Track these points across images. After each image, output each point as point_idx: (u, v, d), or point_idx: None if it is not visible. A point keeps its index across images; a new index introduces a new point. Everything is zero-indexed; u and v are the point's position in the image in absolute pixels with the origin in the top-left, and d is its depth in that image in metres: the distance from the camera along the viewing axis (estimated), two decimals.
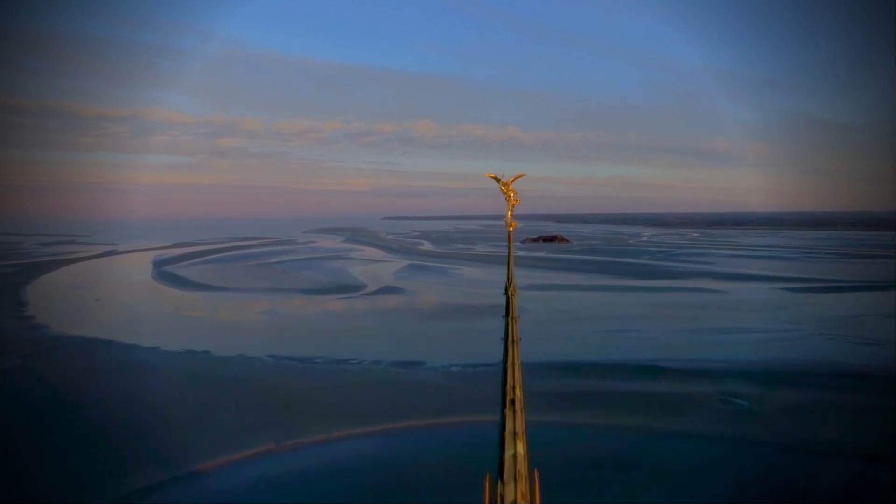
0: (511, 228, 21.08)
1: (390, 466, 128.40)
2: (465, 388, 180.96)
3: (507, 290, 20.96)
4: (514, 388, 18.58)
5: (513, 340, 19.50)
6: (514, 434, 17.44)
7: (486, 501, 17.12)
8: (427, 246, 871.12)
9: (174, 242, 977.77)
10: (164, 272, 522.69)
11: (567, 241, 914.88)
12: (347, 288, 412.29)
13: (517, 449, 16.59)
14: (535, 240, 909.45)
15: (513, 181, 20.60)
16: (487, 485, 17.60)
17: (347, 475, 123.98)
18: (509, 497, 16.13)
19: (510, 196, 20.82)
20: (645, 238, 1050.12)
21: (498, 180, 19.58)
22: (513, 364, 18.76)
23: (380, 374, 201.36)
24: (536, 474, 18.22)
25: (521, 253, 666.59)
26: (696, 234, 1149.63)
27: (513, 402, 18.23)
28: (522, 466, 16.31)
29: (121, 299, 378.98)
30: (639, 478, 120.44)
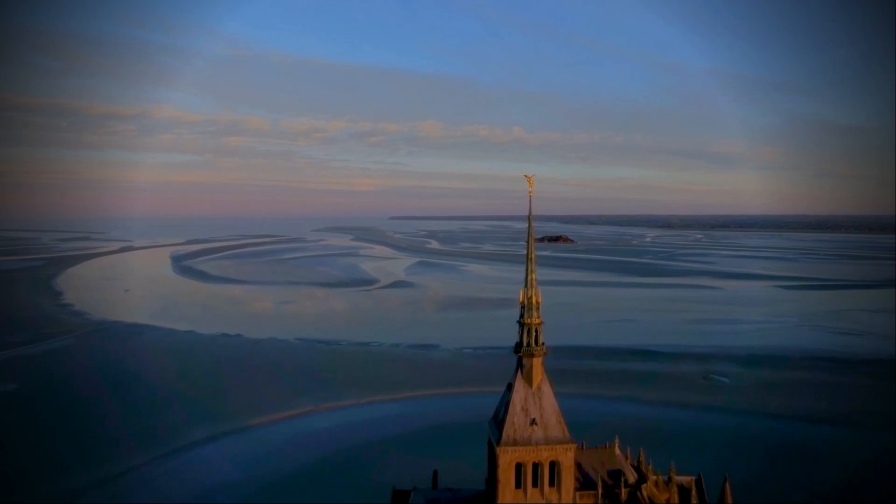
0: (531, 188, 42.12)
1: (410, 424, 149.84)
2: (475, 366, 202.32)
3: (527, 216, 42.14)
4: (530, 251, 40.25)
5: (530, 235, 40.93)
6: (532, 270, 39.51)
7: (520, 299, 39.26)
8: (435, 244, 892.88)
9: (187, 239, 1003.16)
10: (184, 266, 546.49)
11: (571, 241, 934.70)
12: (362, 282, 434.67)
13: (533, 275, 38.68)
14: (540, 239, 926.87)
15: (532, 175, 42.21)
16: (521, 293, 39.73)
17: (375, 430, 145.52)
18: (529, 295, 38.20)
19: (530, 181, 42.42)
20: (649, 239, 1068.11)
21: (526, 176, 41.22)
22: (530, 246, 40.31)
23: (399, 354, 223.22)
24: (541, 294, 40.33)
25: (523, 252, 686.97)
26: (699, 236, 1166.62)
27: (531, 259, 40.00)
28: (534, 282, 38.46)
29: (149, 290, 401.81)
30: (631, 433, 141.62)
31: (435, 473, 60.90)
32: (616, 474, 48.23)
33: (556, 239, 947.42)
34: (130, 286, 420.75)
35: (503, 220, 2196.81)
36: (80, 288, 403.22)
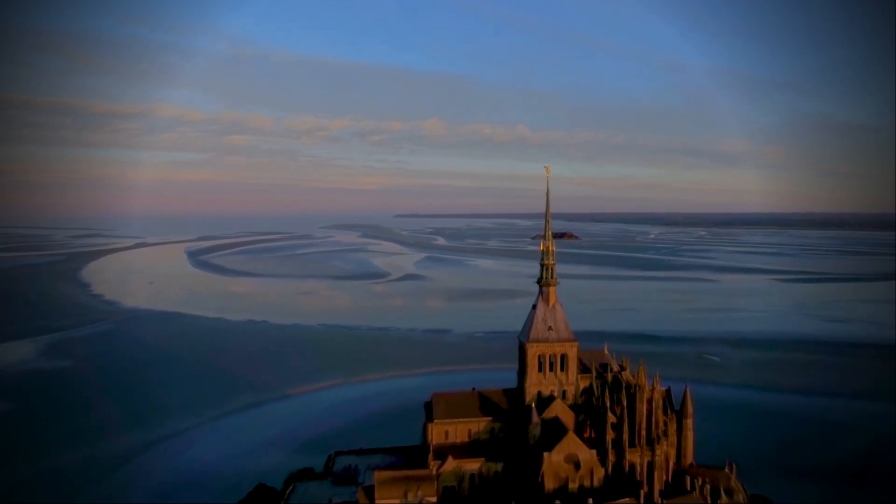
0: (548, 175, 59.32)
1: (429, 394, 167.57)
2: (486, 347, 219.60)
3: (544, 199, 59.13)
4: (547, 215, 57.47)
5: (548, 208, 58.06)
6: (549, 228, 56.74)
7: (541, 248, 56.52)
8: (441, 241, 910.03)
9: (198, 236, 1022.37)
10: (201, 261, 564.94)
11: (576, 237, 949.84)
12: (374, 275, 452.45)
13: (549, 232, 55.71)
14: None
15: (548, 167, 59.14)
16: (541, 243, 57.29)
17: (398, 397, 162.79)
18: (547, 245, 55.29)
19: (547, 170, 59.44)
20: (652, 236, 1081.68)
21: (546, 167, 58.16)
22: (548, 213, 57.50)
23: (415, 337, 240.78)
24: (554, 244, 57.68)
25: (530, 248, 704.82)
26: (702, 233, 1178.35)
27: (548, 221, 57.26)
28: (550, 237, 55.44)
29: (172, 282, 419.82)
30: None
31: (474, 389, 78.35)
32: (604, 366, 67.31)
33: (560, 235, 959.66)
34: (154, 278, 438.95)
35: (508, 217, 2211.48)
36: (105, 280, 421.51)
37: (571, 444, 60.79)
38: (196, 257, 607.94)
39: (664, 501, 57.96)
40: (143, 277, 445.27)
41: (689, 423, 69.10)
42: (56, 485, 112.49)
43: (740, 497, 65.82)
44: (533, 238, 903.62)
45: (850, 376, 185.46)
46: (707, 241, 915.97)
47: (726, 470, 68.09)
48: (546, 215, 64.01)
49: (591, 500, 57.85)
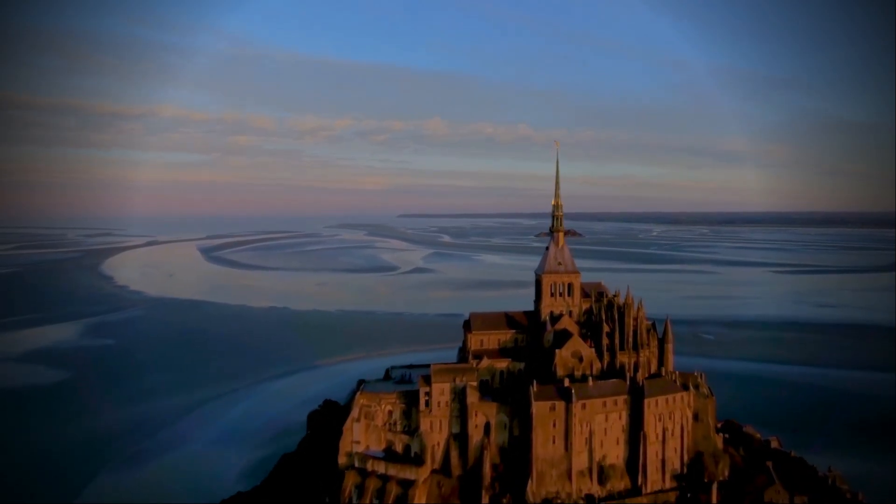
0: (557, 147, 75.83)
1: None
2: None
3: (556, 148, 75.38)
4: (557, 177, 73.95)
5: (557, 161, 74.41)
6: (558, 186, 73.23)
7: (552, 203, 73.25)
8: (447, 238, 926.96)
9: (207, 234, 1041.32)
10: (215, 257, 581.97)
11: (579, 234, 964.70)
12: (384, 268, 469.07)
13: (558, 190, 72.41)
14: (547, 233, 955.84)
15: (557, 142, 75.64)
16: (552, 200, 74.23)
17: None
18: (556, 201, 72.19)
19: (557, 144, 75.98)
20: (655, 234, 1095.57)
21: (556, 141, 74.46)
22: (557, 175, 73.94)
23: (428, 320, 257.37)
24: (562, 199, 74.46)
25: (534, 244, 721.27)
26: (704, 231, 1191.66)
27: (558, 183, 73.74)
28: (559, 194, 72.15)
29: (191, 275, 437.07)
30: None
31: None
32: (601, 293, 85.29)
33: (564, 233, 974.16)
34: (173, 272, 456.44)
35: (511, 217, 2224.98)
36: (127, 274, 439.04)
37: (576, 344, 79.03)
38: (209, 253, 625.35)
39: (644, 380, 75.20)
40: (162, 271, 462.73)
41: (670, 347, 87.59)
42: (128, 433, 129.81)
43: (705, 391, 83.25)
44: (537, 236, 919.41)
45: (838, 351, 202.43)
46: (709, 238, 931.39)
47: (696, 373, 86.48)
48: (556, 178, 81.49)
49: (591, 379, 75.15)
